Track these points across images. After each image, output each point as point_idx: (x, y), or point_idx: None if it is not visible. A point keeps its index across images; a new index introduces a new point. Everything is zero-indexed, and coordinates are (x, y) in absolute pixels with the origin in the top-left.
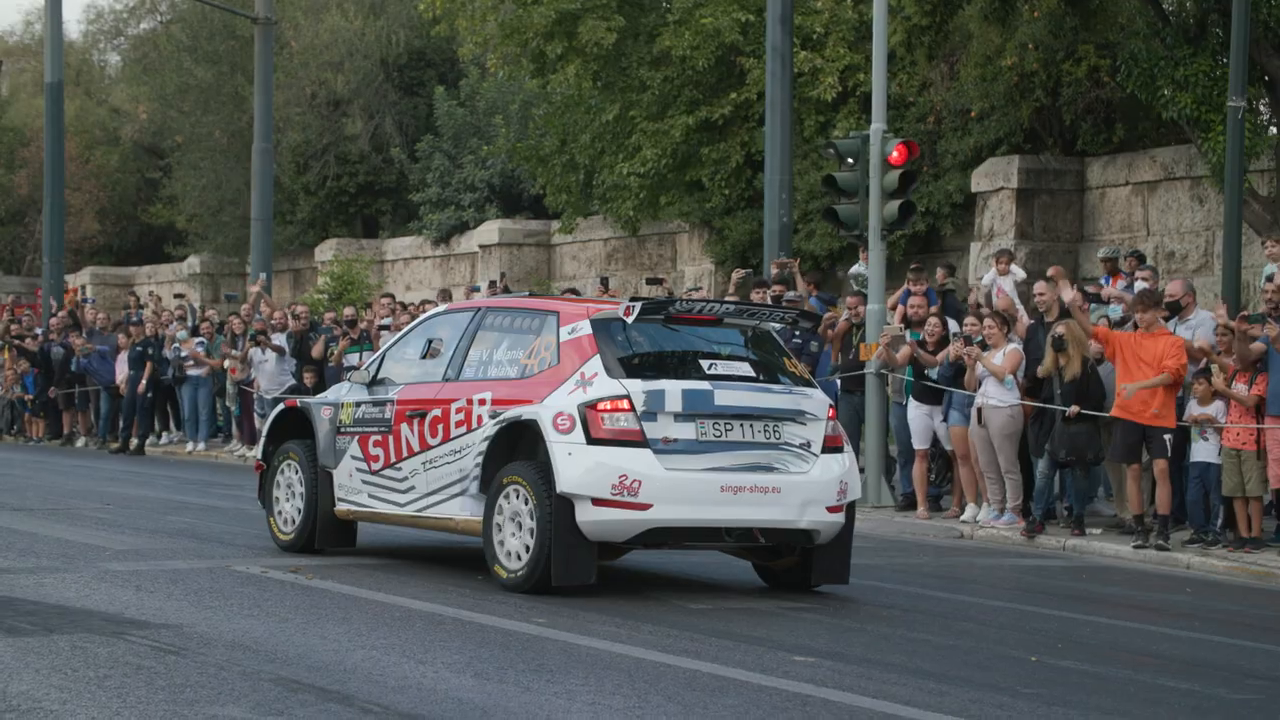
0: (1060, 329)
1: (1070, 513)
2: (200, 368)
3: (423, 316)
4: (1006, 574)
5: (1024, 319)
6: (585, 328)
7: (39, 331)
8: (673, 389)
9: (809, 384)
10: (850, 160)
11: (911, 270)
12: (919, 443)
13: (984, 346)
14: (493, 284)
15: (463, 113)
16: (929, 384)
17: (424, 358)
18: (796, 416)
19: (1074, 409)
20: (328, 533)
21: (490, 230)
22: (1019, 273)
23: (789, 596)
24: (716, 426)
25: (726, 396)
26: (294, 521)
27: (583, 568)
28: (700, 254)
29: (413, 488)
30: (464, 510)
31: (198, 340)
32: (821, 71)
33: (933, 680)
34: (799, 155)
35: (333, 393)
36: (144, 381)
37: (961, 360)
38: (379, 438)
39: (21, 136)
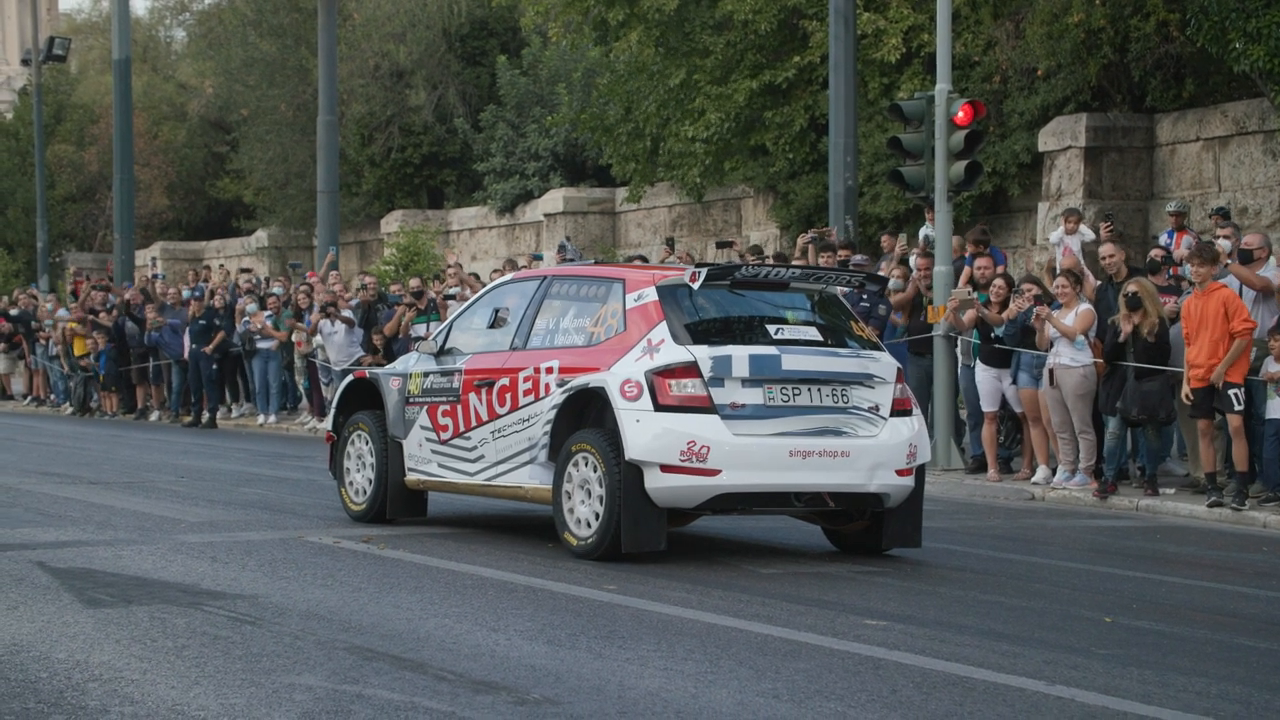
0: (1133, 286)
1: (1143, 473)
2: (269, 340)
3: (489, 285)
4: (1079, 535)
5: (1091, 280)
6: (651, 294)
7: (112, 305)
8: (740, 354)
9: (877, 347)
10: (915, 122)
11: (973, 233)
12: (988, 405)
13: (1052, 305)
14: (561, 248)
15: (525, 82)
16: (997, 346)
17: (491, 327)
18: (864, 380)
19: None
20: (398, 502)
21: (555, 199)
22: (1087, 233)
23: (859, 561)
24: (784, 391)
25: (794, 361)
26: (365, 492)
27: (652, 534)
28: (765, 219)
29: (482, 456)
30: (533, 479)
31: (266, 313)
32: (885, 33)
33: (1006, 642)
34: (863, 118)
35: (400, 363)
36: (209, 350)
37: (1028, 321)
38: (447, 407)
39: (91, 114)
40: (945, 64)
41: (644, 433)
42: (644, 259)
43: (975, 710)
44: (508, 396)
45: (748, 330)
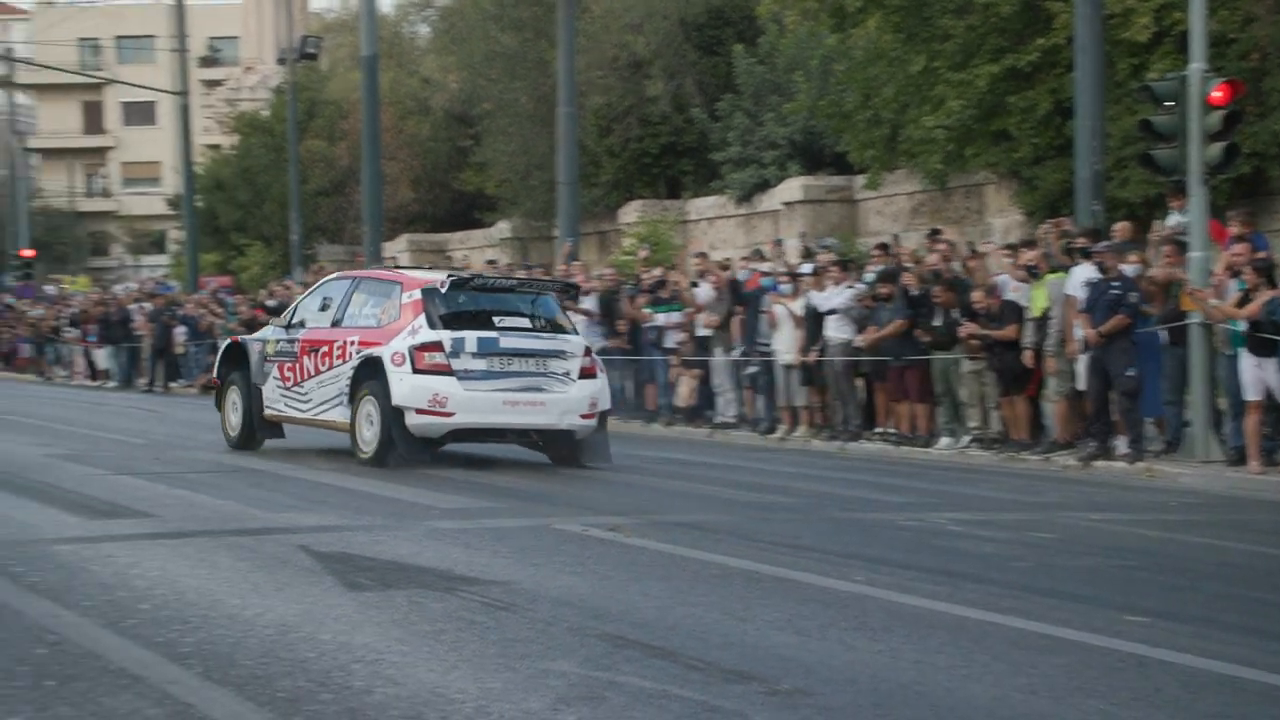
0: None
1: None
2: None
3: (320, 281)
4: None
5: None
6: (417, 294)
7: None
8: (470, 336)
9: (572, 333)
10: (1168, 103)
11: (1237, 216)
12: (1251, 394)
13: None
14: (807, 250)
15: (762, 70)
16: (1261, 336)
17: (320, 310)
18: (559, 355)
19: None
20: (262, 430)
21: (793, 187)
22: None
23: (1115, 555)
24: (501, 361)
25: (508, 341)
26: (238, 427)
27: (415, 454)
28: (1008, 205)
29: (310, 399)
30: (341, 416)
31: None
32: (1135, 12)
33: (1275, 641)
34: (1111, 100)
35: (262, 333)
36: None
37: (1275, 314)
38: (290, 364)
39: (341, 109)
40: (1200, 41)
41: (405, 387)
42: (886, 247)
43: (1246, 712)
44: (326, 359)
45: (478, 320)
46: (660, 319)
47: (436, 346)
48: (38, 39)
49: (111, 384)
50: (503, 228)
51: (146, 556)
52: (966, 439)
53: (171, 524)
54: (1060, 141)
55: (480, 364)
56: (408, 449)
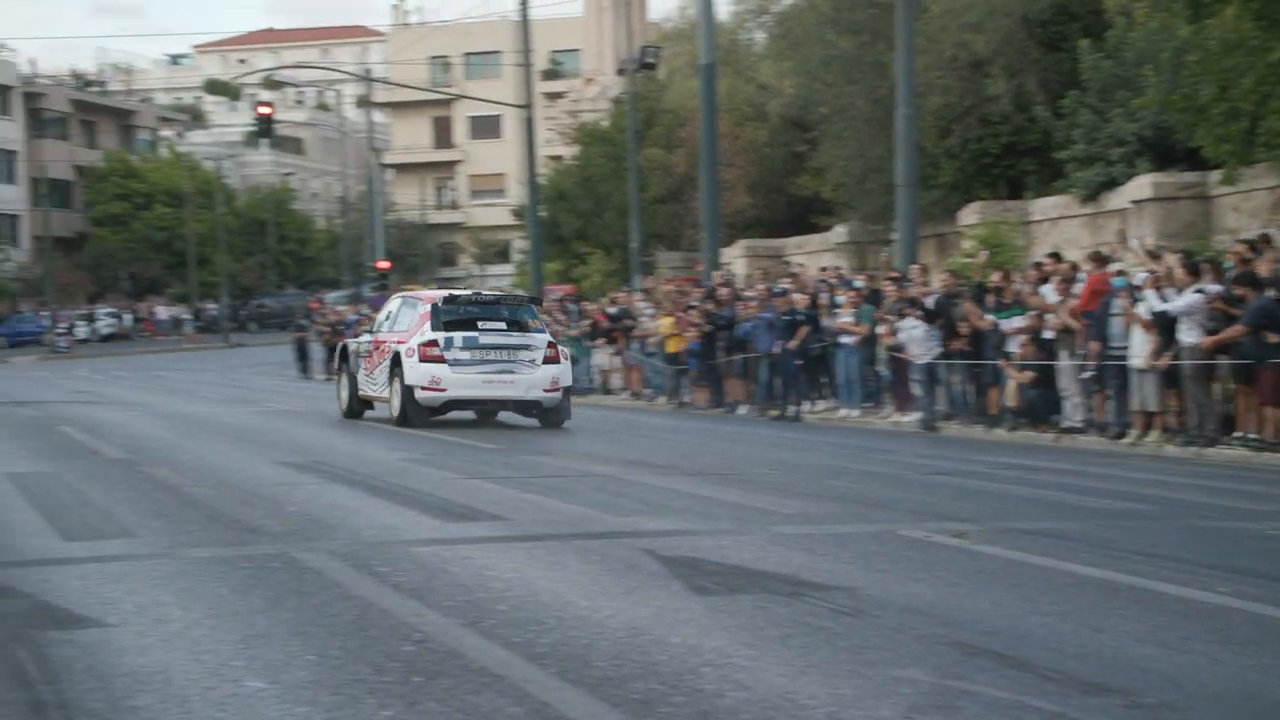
0: None
1: None
2: (852, 336)
3: (390, 301)
4: None
5: None
6: (427, 307)
7: (701, 302)
8: (458, 336)
9: (538, 332)
10: None
11: None
12: None
13: None
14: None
15: (1109, 65)
16: None
17: (385, 321)
18: (526, 348)
19: None
20: (357, 406)
21: (1142, 185)
22: None
23: None
24: (482, 353)
25: (487, 339)
26: (345, 402)
27: (420, 418)
28: None
29: (376, 382)
30: (387, 393)
31: (851, 311)
32: None
33: None
34: None
35: (357, 340)
36: (794, 346)
37: None
38: (367, 359)
39: (679, 117)
40: None
41: (414, 372)
42: (1254, 246)
43: None
44: (381, 355)
45: (465, 323)
46: (1001, 323)
47: (434, 343)
48: (392, 59)
49: None
50: (839, 232)
51: (501, 558)
52: None
53: (523, 527)
54: None
55: (465, 354)
56: (415, 414)
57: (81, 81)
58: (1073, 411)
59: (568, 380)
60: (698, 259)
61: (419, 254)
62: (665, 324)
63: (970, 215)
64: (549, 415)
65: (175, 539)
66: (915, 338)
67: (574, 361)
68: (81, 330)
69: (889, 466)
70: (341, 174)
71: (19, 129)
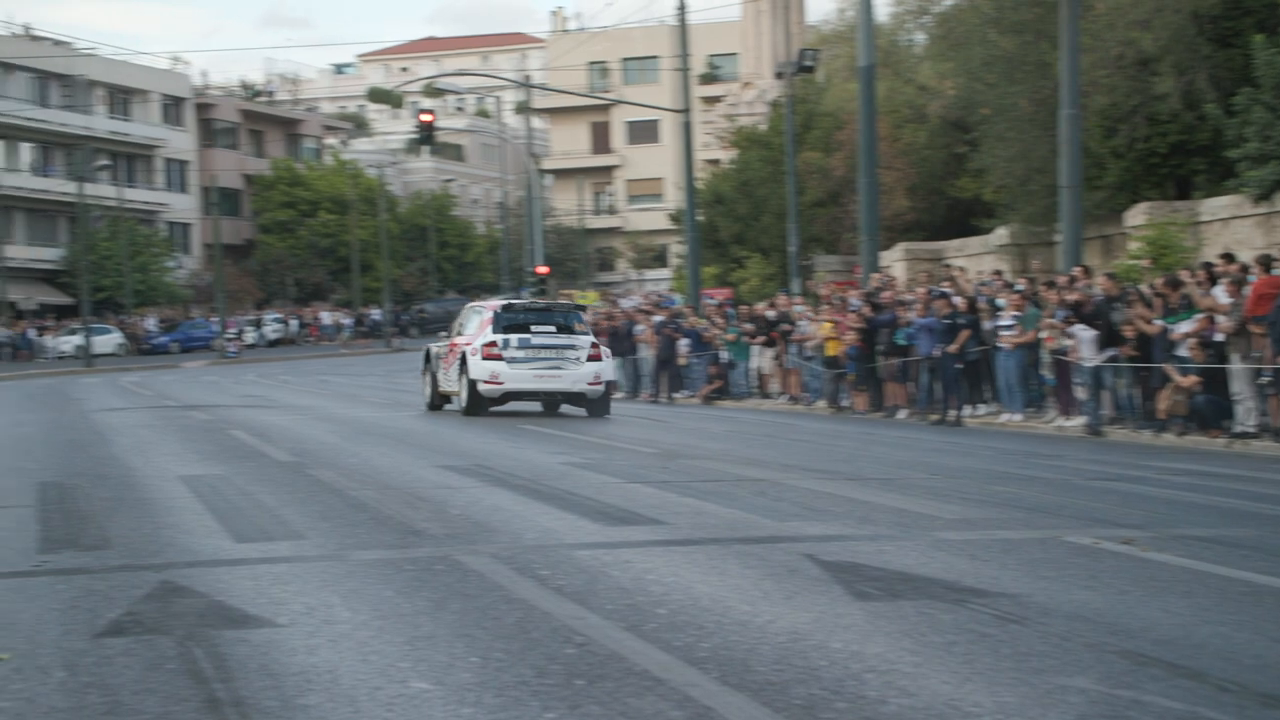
0: None
1: None
2: (1012, 339)
3: (463, 311)
4: None
5: None
6: (489, 314)
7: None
8: (513, 338)
9: (584, 334)
10: None
11: None
12: None
13: None
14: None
15: None
16: None
17: (458, 325)
18: (572, 347)
19: None
20: (438, 400)
21: None
22: None
23: None
24: (535, 352)
25: (539, 339)
26: (428, 397)
27: (481, 408)
28: None
29: (450, 379)
30: (458, 387)
31: (1013, 315)
32: None
33: None
34: None
35: (437, 343)
36: (954, 350)
37: None
38: (445, 359)
39: (837, 120)
40: None
41: (477, 368)
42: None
43: None
44: (454, 355)
45: (520, 327)
46: (1170, 328)
47: (493, 344)
48: (551, 65)
49: (618, 395)
50: (1001, 234)
51: (660, 562)
52: None
53: (682, 531)
54: None
55: (520, 353)
56: (478, 405)
57: (250, 91)
58: (1245, 416)
59: (610, 375)
60: (856, 263)
61: (577, 259)
62: (824, 327)
63: (1137, 216)
64: (593, 406)
65: (342, 541)
66: (1085, 340)
67: (731, 365)
68: (250, 335)
69: (1053, 472)
70: (501, 180)
71: (191, 139)
